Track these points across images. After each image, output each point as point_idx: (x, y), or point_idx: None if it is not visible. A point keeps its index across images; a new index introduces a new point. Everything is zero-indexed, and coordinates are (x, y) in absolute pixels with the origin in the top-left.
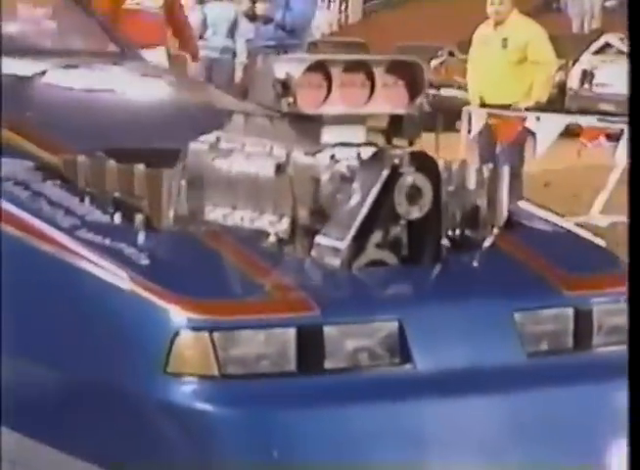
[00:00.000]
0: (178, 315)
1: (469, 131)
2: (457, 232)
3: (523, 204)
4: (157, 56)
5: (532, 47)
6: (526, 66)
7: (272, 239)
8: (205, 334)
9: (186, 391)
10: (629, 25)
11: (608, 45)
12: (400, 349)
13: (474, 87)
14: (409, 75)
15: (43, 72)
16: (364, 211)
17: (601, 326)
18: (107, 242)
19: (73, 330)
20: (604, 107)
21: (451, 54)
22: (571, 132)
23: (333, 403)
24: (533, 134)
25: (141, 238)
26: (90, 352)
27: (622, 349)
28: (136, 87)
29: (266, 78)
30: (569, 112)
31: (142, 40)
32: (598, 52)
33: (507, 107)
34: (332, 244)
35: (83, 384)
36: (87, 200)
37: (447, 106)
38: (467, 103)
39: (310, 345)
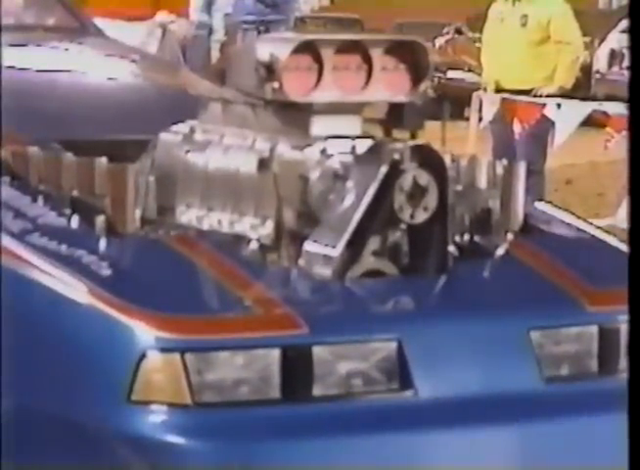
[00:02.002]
0: (145, 334)
1: (480, 120)
2: (466, 238)
3: (540, 205)
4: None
5: (556, 25)
6: (549, 46)
7: (254, 245)
8: (176, 356)
9: (154, 422)
10: (630, 25)
11: None
12: (400, 373)
13: (489, 71)
14: (411, 57)
15: None
16: (359, 213)
17: None
18: (62, 249)
19: (22, 352)
20: None
21: (459, 31)
22: (596, 122)
23: (322, 435)
24: (553, 124)
25: (102, 244)
26: (42, 378)
27: None
28: (98, 68)
29: (247, 60)
30: (595, 98)
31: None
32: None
33: (527, 93)
34: (322, 251)
35: (34, 415)
36: (40, 199)
37: (455, 91)
38: (477, 87)
39: (297, 368)
